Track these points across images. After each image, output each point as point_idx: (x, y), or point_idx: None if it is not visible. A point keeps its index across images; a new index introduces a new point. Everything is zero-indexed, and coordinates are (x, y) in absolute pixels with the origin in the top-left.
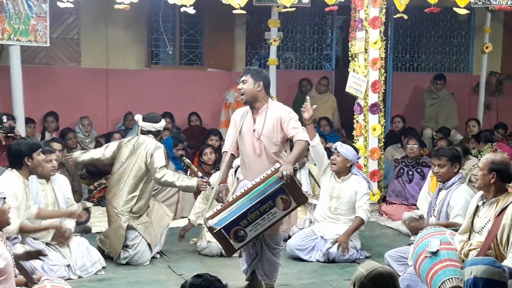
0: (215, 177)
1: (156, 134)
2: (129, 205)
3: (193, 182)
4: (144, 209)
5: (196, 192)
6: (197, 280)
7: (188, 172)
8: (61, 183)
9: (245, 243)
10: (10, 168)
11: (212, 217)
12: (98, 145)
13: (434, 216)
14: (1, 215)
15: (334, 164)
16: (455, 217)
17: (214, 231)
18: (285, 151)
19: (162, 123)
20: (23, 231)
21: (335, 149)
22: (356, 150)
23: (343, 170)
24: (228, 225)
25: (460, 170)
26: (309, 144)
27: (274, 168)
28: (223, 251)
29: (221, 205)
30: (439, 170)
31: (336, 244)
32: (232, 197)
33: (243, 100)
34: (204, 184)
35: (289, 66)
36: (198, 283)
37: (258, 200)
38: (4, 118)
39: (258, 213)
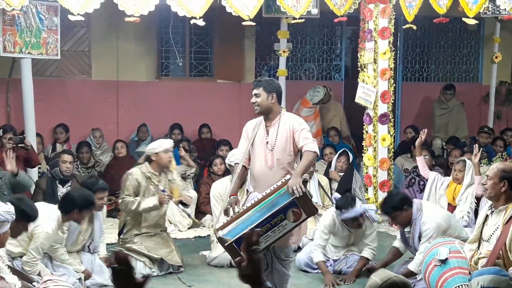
0: (218, 185)
1: (147, 159)
2: (123, 231)
3: (154, 200)
4: (132, 235)
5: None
6: None
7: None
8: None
9: None
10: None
11: (222, 228)
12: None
13: (409, 246)
14: (6, 237)
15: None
16: (422, 244)
17: (225, 244)
18: (296, 162)
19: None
20: None
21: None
22: (353, 199)
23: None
24: (239, 238)
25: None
26: (317, 155)
27: (285, 179)
28: (233, 262)
29: (232, 216)
30: (397, 222)
31: (347, 261)
32: (242, 208)
33: (257, 111)
34: (166, 197)
35: (310, 77)
36: None
37: (270, 214)
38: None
39: (269, 226)
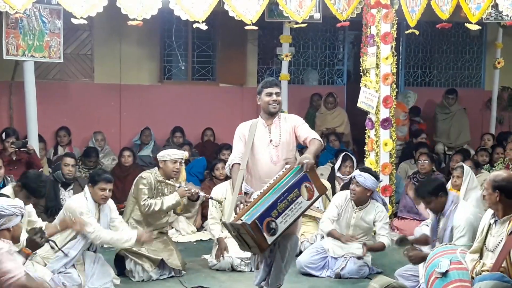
0: (218, 190)
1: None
2: None
3: (175, 197)
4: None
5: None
6: None
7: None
8: (111, 209)
9: (277, 237)
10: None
11: (236, 220)
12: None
13: (437, 238)
14: (17, 230)
15: (354, 194)
16: (458, 239)
17: (249, 223)
18: (296, 158)
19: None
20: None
21: (354, 178)
22: (376, 176)
23: (363, 199)
24: (260, 216)
25: (449, 194)
26: (322, 145)
27: (285, 169)
28: (234, 266)
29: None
30: (428, 207)
31: (347, 263)
32: (248, 203)
33: (276, 109)
34: (186, 190)
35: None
36: None
37: (285, 189)
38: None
39: (287, 202)
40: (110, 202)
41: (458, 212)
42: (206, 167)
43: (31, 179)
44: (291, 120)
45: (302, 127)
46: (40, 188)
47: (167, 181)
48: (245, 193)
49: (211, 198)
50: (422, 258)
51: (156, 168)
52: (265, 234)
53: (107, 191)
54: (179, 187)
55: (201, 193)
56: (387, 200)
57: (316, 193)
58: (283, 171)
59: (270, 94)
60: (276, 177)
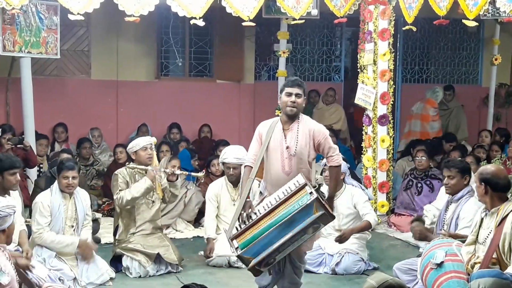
0: (214, 187)
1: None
2: (117, 233)
3: (145, 180)
4: (127, 235)
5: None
6: None
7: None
8: (83, 199)
9: (271, 265)
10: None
11: (237, 236)
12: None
13: (444, 230)
14: (12, 229)
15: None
16: (462, 229)
17: (248, 266)
18: (311, 167)
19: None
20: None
21: (325, 165)
22: (344, 159)
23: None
24: (261, 260)
25: (470, 183)
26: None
27: (298, 182)
28: (231, 263)
29: (245, 223)
30: (449, 182)
31: (343, 259)
32: (255, 214)
33: (293, 113)
34: (153, 171)
35: (310, 78)
36: None
37: (291, 235)
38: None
39: (290, 243)
40: (84, 197)
41: (469, 203)
42: (190, 156)
43: (1, 160)
44: (311, 128)
45: (325, 142)
46: (14, 160)
47: (137, 166)
48: (260, 193)
49: (190, 174)
50: (425, 237)
51: (129, 162)
52: (261, 268)
53: (70, 178)
54: (151, 169)
55: (177, 171)
56: (383, 196)
57: (322, 226)
58: (294, 184)
59: (289, 95)
60: (284, 193)
